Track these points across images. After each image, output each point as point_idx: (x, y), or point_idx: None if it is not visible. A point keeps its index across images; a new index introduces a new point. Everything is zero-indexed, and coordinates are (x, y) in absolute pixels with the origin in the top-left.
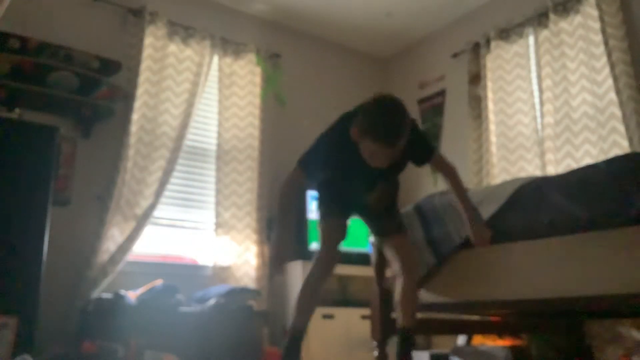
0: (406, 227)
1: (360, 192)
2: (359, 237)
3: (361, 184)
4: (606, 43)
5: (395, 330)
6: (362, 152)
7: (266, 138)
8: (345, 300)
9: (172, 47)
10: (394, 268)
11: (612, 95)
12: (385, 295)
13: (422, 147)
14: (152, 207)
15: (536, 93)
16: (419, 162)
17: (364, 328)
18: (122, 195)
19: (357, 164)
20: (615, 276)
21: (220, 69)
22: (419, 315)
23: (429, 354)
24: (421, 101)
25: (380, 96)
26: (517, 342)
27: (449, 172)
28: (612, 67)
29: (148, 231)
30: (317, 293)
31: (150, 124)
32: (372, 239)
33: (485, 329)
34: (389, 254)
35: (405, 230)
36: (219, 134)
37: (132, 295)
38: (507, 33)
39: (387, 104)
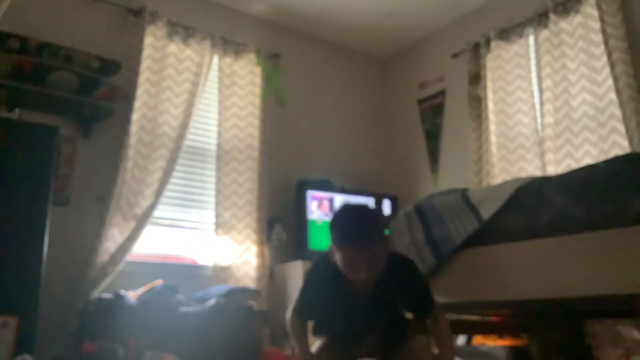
0: None
1: (358, 335)
2: None
3: (357, 323)
4: (606, 43)
5: None
6: (343, 271)
7: (266, 138)
8: None
9: (172, 47)
10: None
11: (612, 95)
12: None
13: (420, 298)
14: (152, 207)
15: (536, 93)
16: (415, 312)
17: None
18: (122, 195)
19: (346, 301)
20: (615, 276)
21: (220, 69)
22: None
23: None
24: (421, 101)
25: (344, 204)
26: (517, 342)
27: (442, 326)
28: (612, 67)
29: (148, 231)
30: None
31: (150, 124)
32: None
33: (485, 329)
34: None
35: None
36: (219, 134)
37: (132, 295)
38: (507, 33)
39: (348, 208)
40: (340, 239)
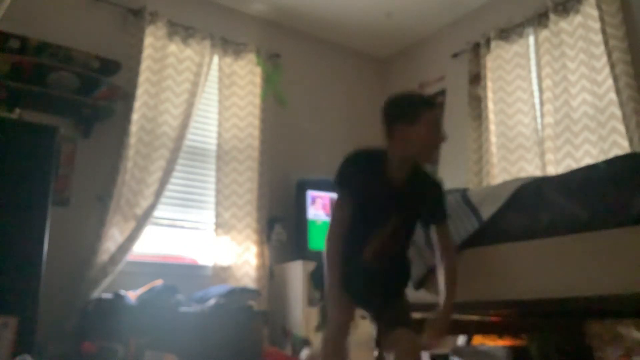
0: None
1: (376, 226)
2: None
3: (379, 214)
4: (606, 43)
5: None
6: (424, 142)
7: (266, 138)
8: None
9: (172, 47)
10: None
11: (612, 95)
12: None
13: (439, 207)
14: (152, 207)
15: (536, 93)
16: (430, 218)
17: (364, 328)
18: (122, 195)
19: (379, 188)
20: (615, 276)
21: (220, 69)
22: (419, 315)
23: (429, 354)
24: None
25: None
26: (517, 342)
27: (449, 250)
28: (612, 67)
29: (148, 231)
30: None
31: (150, 124)
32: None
33: (485, 329)
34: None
35: (411, 326)
36: (219, 134)
37: (132, 295)
38: (507, 33)
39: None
40: (422, 104)
